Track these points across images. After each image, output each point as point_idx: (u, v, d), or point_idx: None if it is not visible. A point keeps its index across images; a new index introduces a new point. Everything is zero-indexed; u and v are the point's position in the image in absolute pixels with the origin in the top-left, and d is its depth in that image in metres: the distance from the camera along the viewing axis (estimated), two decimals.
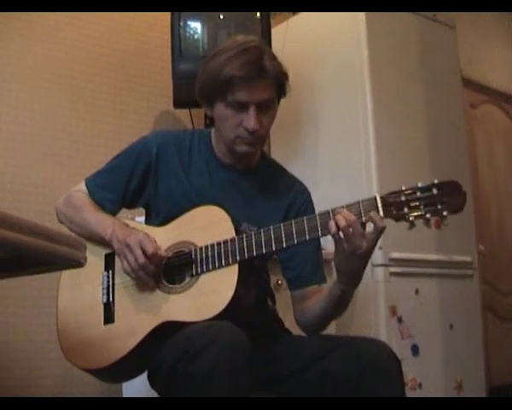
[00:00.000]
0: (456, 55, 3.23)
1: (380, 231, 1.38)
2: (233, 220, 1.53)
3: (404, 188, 1.41)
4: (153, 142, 1.69)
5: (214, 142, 1.70)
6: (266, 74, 1.53)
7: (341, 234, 1.38)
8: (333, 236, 1.40)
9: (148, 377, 1.57)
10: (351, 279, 1.48)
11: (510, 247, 4.05)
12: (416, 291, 2.71)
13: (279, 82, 1.58)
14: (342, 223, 1.37)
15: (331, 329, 2.18)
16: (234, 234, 1.50)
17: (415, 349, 2.63)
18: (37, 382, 2.46)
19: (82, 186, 1.71)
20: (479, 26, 4.19)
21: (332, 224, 1.39)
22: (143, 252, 1.48)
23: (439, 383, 2.71)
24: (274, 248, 1.48)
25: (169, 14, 2.72)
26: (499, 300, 3.90)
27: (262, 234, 1.48)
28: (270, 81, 1.55)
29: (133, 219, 1.76)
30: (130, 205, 1.72)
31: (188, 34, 2.74)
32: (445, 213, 1.38)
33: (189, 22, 2.74)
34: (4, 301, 2.43)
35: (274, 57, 1.57)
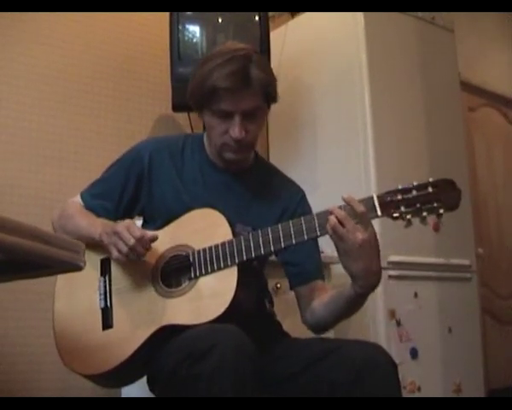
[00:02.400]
0: (455, 58, 3.24)
1: (361, 215, 1.37)
2: (229, 222, 1.53)
3: (400, 187, 1.42)
4: (145, 149, 1.69)
5: (207, 145, 1.71)
6: (251, 84, 1.52)
7: (336, 232, 1.38)
8: (330, 236, 1.41)
9: (148, 381, 1.57)
10: (366, 281, 1.43)
11: (509, 250, 4.06)
12: (415, 294, 2.71)
13: (265, 90, 1.57)
14: (334, 221, 1.38)
15: (329, 332, 2.18)
16: (231, 236, 1.51)
17: (413, 353, 2.63)
18: (35, 385, 2.46)
19: (77, 198, 1.72)
20: (477, 29, 4.19)
21: (328, 226, 1.40)
22: (131, 236, 1.47)
23: (437, 386, 2.71)
24: (272, 249, 1.48)
25: (168, 17, 2.73)
26: (498, 303, 3.91)
27: (260, 235, 1.48)
28: (256, 90, 1.54)
29: None
30: (126, 214, 1.71)
31: (186, 38, 2.74)
32: (441, 211, 1.40)
33: (187, 26, 2.74)
34: (3, 304, 2.43)
35: (262, 65, 1.56)
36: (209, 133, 1.63)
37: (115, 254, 1.50)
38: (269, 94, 1.58)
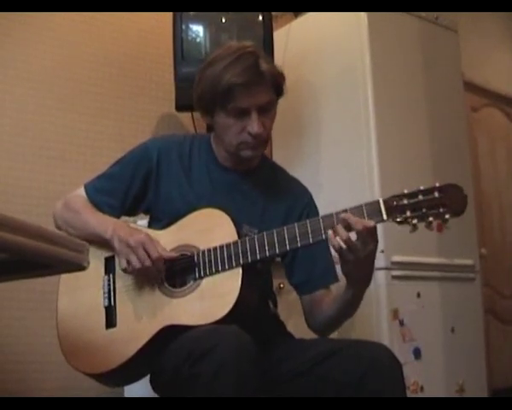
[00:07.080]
0: (458, 58, 3.23)
1: (368, 234, 1.38)
2: (234, 223, 1.53)
3: (406, 191, 1.41)
4: (153, 147, 1.69)
5: (214, 146, 1.70)
6: (264, 78, 1.55)
7: (349, 245, 1.38)
8: (337, 250, 1.40)
9: (151, 380, 1.57)
10: (363, 283, 1.49)
11: None
12: (418, 294, 2.70)
13: (276, 83, 1.60)
14: (347, 236, 1.38)
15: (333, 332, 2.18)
16: (236, 237, 1.50)
17: (417, 352, 2.63)
18: (39, 384, 2.46)
19: (80, 191, 1.71)
20: (480, 29, 4.18)
21: (337, 241, 1.39)
22: (147, 254, 1.48)
23: (441, 386, 2.70)
24: (277, 251, 1.48)
25: (171, 17, 2.73)
26: (501, 303, 3.90)
27: (265, 237, 1.48)
28: (269, 84, 1.57)
29: (134, 222, 1.76)
30: (130, 212, 1.72)
31: (190, 37, 2.74)
32: (447, 217, 1.38)
33: (191, 25, 2.74)
34: (7, 303, 2.43)
35: (269, 60, 1.60)
36: (223, 134, 1.61)
37: (123, 265, 1.51)
38: (279, 86, 1.61)
